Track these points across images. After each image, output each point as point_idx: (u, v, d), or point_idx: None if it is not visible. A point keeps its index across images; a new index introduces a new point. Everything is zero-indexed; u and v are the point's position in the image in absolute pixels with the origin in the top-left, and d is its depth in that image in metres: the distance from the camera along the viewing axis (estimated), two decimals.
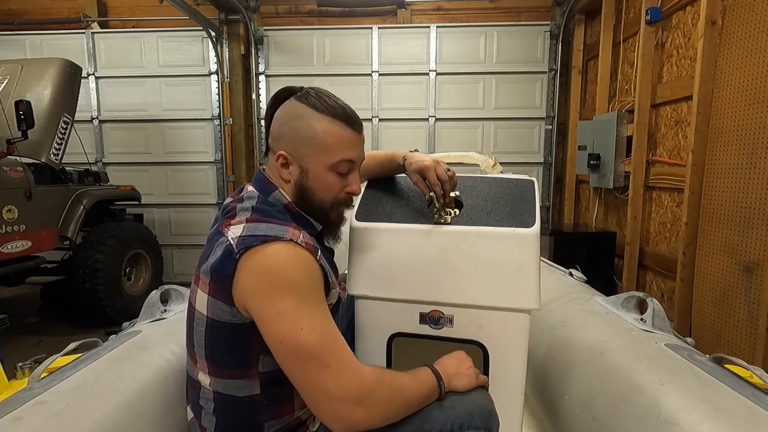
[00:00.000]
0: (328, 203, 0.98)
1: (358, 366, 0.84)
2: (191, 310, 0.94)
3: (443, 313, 1.18)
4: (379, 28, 4.81)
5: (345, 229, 1.24)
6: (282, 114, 0.96)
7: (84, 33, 4.92)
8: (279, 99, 0.98)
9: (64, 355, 1.12)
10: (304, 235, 0.89)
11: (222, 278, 0.84)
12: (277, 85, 4.94)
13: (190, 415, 1.01)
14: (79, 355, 1.16)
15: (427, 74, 4.83)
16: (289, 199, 0.97)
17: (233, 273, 0.83)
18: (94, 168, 4.40)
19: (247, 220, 0.89)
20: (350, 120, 0.95)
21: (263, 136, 4.99)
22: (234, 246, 0.84)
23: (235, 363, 0.90)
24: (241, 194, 0.98)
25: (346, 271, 1.25)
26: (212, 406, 0.93)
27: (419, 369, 0.96)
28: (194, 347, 0.94)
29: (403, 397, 0.89)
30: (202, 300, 0.89)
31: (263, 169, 1.01)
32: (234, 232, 0.87)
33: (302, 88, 0.98)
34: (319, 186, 0.96)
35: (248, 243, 0.84)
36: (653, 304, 1.37)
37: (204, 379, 0.93)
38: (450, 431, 0.93)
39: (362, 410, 0.82)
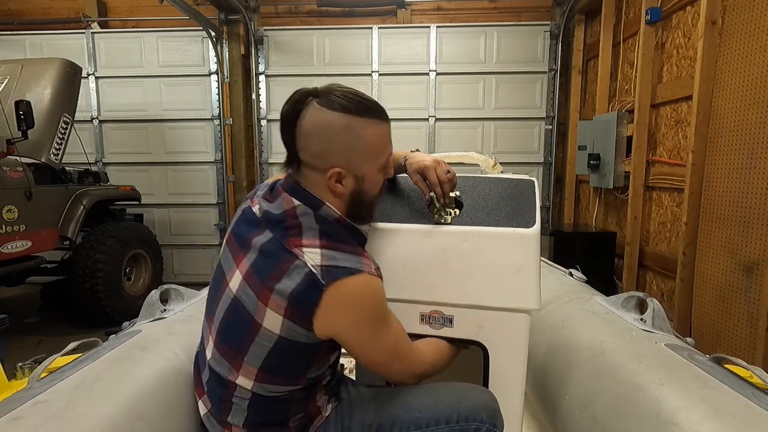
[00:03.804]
0: (377, 199, 1.04)
1: (420, 356, 1.06)
2: (248, 321, 0.91)
3: (443, 313, 1.18)
4: (379, 28, 4.81)
5: None
6: (318, 128, 0.92)
7: (84, 33, 4.92)
8: (296, 106, 0.93)
9: (64, 355, 1.12)
10: (373, 261, 0.95)
11: (305, 307, 0.88)
12: (277, 84, 4.95)
13: (204, 409, 1.01)
14: (79, 355, 1.16)
15: (427, 74, 4.84)
16: (339, 213, 0.97)
17: (317, 303, 0.87)
18: (94, 168, 4.40)
19: (322, 246, 0.91)
20: (383, 114, 0.97)
21: (262, 136, 5.00)
22: (319, 277, 0.87)
23: (291, 373, 0.95)
24: (281, 203, 0.95)
25: None
26: (246, 403, 0.95)
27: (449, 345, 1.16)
28: (243, 355, 0.93)
29: (443, 366, 1.12)
30: (274, 321, 0.89)
31: (296, 181, 0.97)
32: (312, 258, 0.89)
33: (316, 90, 0.94)
34: (372, 187, 1.00)
35: (334, 275, 0.88)
36: (653, 304, 1.37)
37: (245, 382, 0.94)
38: (456, 421, 1.00)
39: (416, 380, 1.07)
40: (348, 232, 0.98)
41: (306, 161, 0.94)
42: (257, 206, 0.99)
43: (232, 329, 0.95)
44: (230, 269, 0.98)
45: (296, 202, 0.95)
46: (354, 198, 0.97)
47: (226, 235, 1.05)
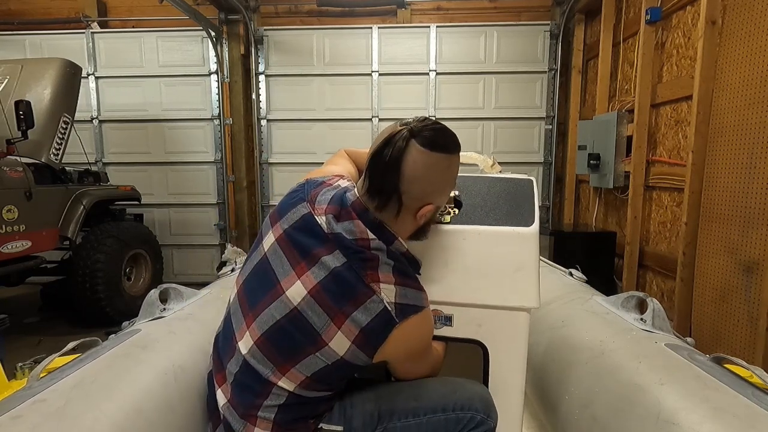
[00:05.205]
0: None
1: (436, 358, 1.14)
2: (313, 337, 0.94)
3: (443, 312, 1.18)
4: (379, 28, 4.81)
5: None
6: (422, 172, 0.93)
7: (84, 33, 4.92)
8: (400, 151, 0.93)
9: (63, 354, 1.12)
10: (424, 290, 1.01)
11: (376, 339, 0.94)
12: (277, 85, 4.95)
13: (223, 399, 1.02)
14: (78, 354, 1.16)
15: (427, 74, 4.83)
16: (406, 247, 1.01)
17: (387, 338, 0.95)
18: (94, 168, 4.40)
19: (396, 282, 0.96)
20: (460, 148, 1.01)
21: (262, 136, 5.00)
22: (393, 314, 0.94)
23: (335, 382, 1.01)
24: (353, 229, 0.96)
25: None
26: (282, 401, 0.97)
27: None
28: (294, 364, 0.96)
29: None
30: (342, 344, 0.94)
31: (371, 212, 0.97)
32: (387, 294, 0.94)
33: (411, 128, 0.93)
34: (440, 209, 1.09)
35: (405, 313, 0.95)
36: (653, 304, 1.37)
37: (287, 384, 0.97)
38: (452, 410, 1.05)
39: (431, 374, 1.14)
40: (410, 263, 1.03)
41: (405, 202, 0.96)
42: (323, 219, 0.98)
43: (288, 338, 0.96)
44: (287, 275, 0.97)
45: (371, 236, 0.96)
46: (427, 223, 1.04)
47: (276, 232, 1.03)
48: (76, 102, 4.03)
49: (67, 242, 3.60)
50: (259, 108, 4.97)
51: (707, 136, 2.49)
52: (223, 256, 4.62)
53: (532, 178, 1.30)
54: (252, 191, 5.16)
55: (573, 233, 3.87)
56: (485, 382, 1.19)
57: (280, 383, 0.96)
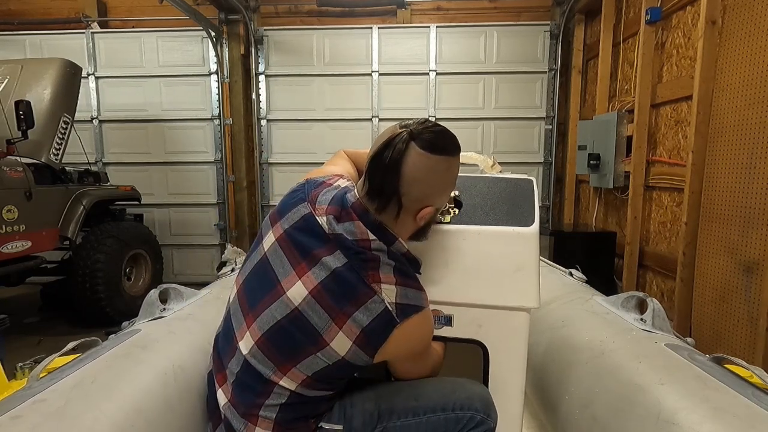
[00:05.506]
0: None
1: (436, 358, 1.14)
2: (314, 337, 0.94)
3: (443, 313, 1.18)
4: (379, 28, 4.81)
5: None
6: (422, 174, 0.94)
7: (84, 33, 4.92)
8: (400, 153, 0.93)
9: (63, 354, 1.12)
10: (426, 293, 1.02)
11: (377, 339, 0.95)
12: (277, 85, 4.95)
13: (224, 398, 1.02)
14: (78, 354, 1.16)
15: (427, 74, 4.83)
16: (406, 248, 1.02)
17: (388, 338, 0.95)
18: (94, 168, 4.40)
19: (396, 283, 0.96)
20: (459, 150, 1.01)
21: (262, 136, 5.00)
22: (394, 314, 0.94)
23: (336, 381, 1.02)
24: (354, 230, 0.96)
25: None
26: (284, 400, 0.98)
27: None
28: (294, 364, 0.96)
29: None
30: (343, 344, 0.94)
31: (381, 221, 0.97)
32: (388, 295, 0.95)
33: (410, 131, 0.93)
34: (440, 210, 1.10)
35: (406, 313, 0.95)
36: (653, 304, 1.37)
37: (288, 384, 0.97)
38: (452, 409, 1.05)
39: (431, 374, 1.15)
40: (411, 263, 1.03)
41: (404, 204, 0.96)
42: (324, 219, 0.98)
43: (289, 338, 0.96)
44: (288, 276, 0.97)
45: (372, 236, 0.97)
46: (426, 224, 1.04)
47: (276, 232, 1.03)
48: (76, 102, 4.03)
49: (67, 242, 3.60)
50: (259, 108, 4.97)
51: (707, 136, 2.49)
52: (223, 256, 4.62)
53: (532, 178, 1.30)
54: (252, 191, 5.16)
55: (573, 233, 3.87)
56: (485, 382, 1.19)
57: (282, 383, 0.97)
